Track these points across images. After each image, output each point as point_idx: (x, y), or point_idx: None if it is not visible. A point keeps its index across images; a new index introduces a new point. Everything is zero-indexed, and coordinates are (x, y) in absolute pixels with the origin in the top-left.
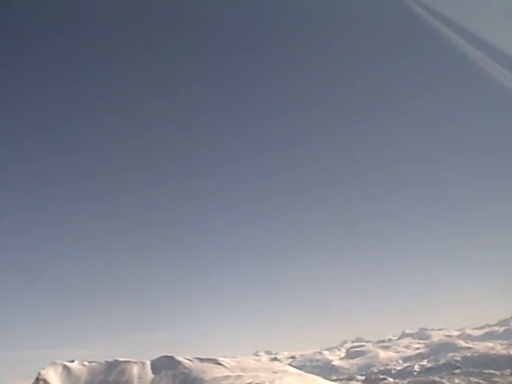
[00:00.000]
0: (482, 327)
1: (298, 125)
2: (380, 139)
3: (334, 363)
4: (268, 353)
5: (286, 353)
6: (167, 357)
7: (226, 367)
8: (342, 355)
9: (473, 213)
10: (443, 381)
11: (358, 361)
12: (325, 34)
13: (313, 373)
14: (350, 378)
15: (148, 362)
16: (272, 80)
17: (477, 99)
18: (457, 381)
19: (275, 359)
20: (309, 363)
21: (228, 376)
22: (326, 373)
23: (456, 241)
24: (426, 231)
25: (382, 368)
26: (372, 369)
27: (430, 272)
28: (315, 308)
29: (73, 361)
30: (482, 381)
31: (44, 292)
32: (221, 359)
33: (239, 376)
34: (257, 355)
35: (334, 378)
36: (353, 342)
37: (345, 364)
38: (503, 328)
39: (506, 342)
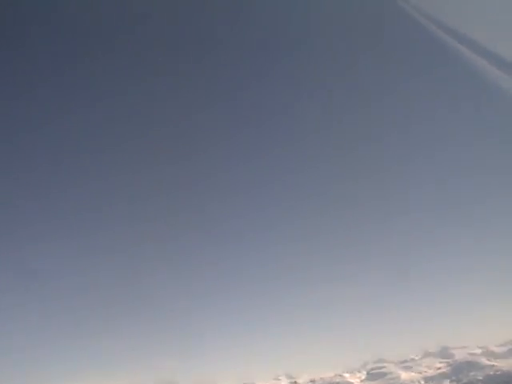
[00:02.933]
0: (506, 343)
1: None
2: (375, 138)
3: None
4: (288, 376)
5: (306, 376)
6: None
7: None
8: (363, 377)
9: (496, 227)
10: None
11: (379, 382)
12: (324, 35)
13: None
14: None
15: None
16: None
17: (476, 101)
18: None
19: (294, 383)
20: None
21: None
22: None
23: (477, 256)
24: (447, 248)
25: None
26: None
27: (451, 288)
28: (337, 329)
29: None
30: None
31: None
32: None
33: None
34: (277, 379)
35: None
36: (374, 362)
37: None
38: None
39: None
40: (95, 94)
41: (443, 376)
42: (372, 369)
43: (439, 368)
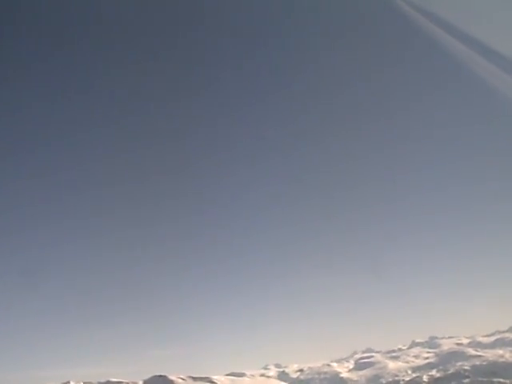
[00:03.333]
0: (493, 334)
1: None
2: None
3: (342, 375)
4: (278, 366)
5: (295, 365)
6: (160, 376)
7: None
8: (351, 367)
9: (483, 217)
10: None
11: (367, 372)
12: (324, 35)
13: None
14: None
15: (140, 382)
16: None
17: (472, 101)
18: None
19: (283, 372)
20: (317, 376)
21: None
22: None
23: (465, 246)
24: (434, 237)
25: (390, 379)
26: (381, 380)
27: (439, 279)
28: (326, 318)
29: (67, 382)
30: None
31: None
32: (214, 377)
33: None
34: (266, 368)
35: None
36: (363, 352)
37: (353, 376)
38: None
39: None
40: (94, 95)
41: (430, 366)
42: (360, 358)
43: (426, 358)
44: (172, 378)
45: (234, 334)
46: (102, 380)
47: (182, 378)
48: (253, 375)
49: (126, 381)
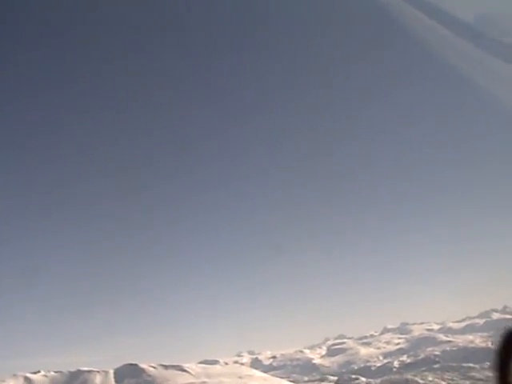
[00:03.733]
0: (463, 320)
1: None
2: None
3: (314, 361)
4: (251, 353)
5: (268, 352)
6: (131, 365)
7: (191, 373)
8: (323, 353)
9: (454, 205)
10: (416, 378)
11: (339, 358)
12: (316, 33)
13: (293, 372)
14: (323, 379)
15: (111, 371)
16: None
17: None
18: (430, 378)
19: (256, 359)
20: (289, 362)
21: (192, 383)
22: (306, 371)
23: (435, 232)
24: (405, 224)
25: (362, 365)
26: (352, 366)
27: (411, 265)
28: (299, 306)
29: (38, 371)
30: (456, 377)
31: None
32: (186, 365)
33: (203, 382)
34: (240, 355)
35: (306, 379)
36: (335, 338)
37: (325, 362)
38: (483, 320)
39: (486, 334)
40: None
41: (401, 351)
42: (332, 345)
43: (398, 344)
44: (143, 366)
45: (208, 321)
46: (72, 369)
47: (153, 367)
48: (226, 362)
49: (97, 369)
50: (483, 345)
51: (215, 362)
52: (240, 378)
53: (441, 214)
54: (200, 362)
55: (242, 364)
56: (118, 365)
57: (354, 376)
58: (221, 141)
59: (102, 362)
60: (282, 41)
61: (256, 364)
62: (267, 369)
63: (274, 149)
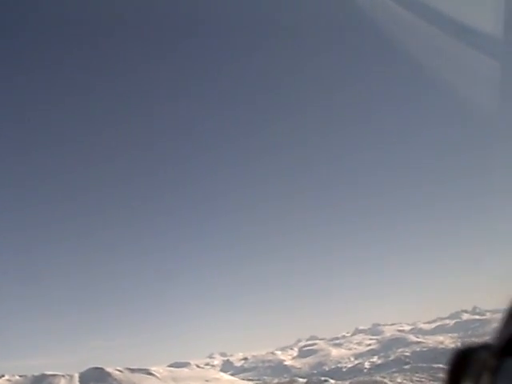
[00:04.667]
0: (434, 321)
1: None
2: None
3: (285, 363)
4: (223, 354)
5: (240, 354)
6: (96, 368)
7: (158, 377)
8: (295, 354)
9: (427, 201)
10: (385, 380)
11: (310, 360)
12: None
13: (265, 374)
14: (292, 381)
15: (76, 375)
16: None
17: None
18: (399, 380)
19: (228, 361)
20: (261, 364)
21: None
22: (277, 373)
23: (407, 234)
24: (376, 224)
25: (333, 366)
26: (323, 367)
27: (384, 266)
28: (272, 307)
29: (2, 376)
30: (424, 378)
31: None
32: (152, 369)
33: None
34: (211, 357)
35: (275, 381)
36: (307, 340)
37: (297, 363)
38: (454, 321)
39: (456, 334)
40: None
41: (372, 352)
42: (304, 346)
43: (369, 345)
44: (109, 370)
45: (180, 323)
46: (37, 373)
47: (119, 370)
48: (197, 365)
49: (62, 373)
50: (453, 345)
51: (186, 365)
52: (207, 381)
53: (412, 217)
54: (171, 365)
55: (213, 366)
56: (88, 367)
57: (323, 378)
58: (219, 140)
59: (66, 366)
60: (279, 43)
61: (227, 366)
62: (238, 371)
63: (270, 150)
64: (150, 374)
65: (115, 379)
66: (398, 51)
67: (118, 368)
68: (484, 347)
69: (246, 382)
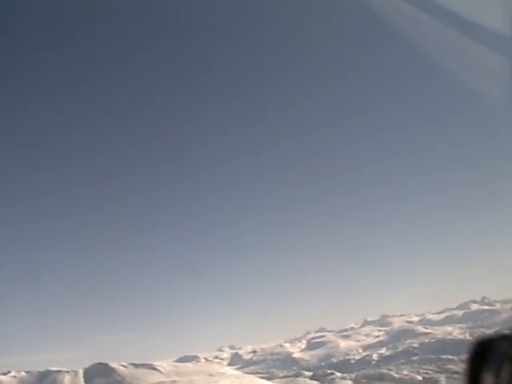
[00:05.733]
0: (443, 311)
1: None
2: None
3: (294, 355)
4: (232, 347)
5: (249, 347)
6: (100, 364)
7: (162, 372)
8: (303, 346)
9: (431, 190)
10: (392, 373)
11: (319, 352)
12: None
13: (273, 366)
14: (298, 375)
15: (81, 371)
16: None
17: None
18: (405, 372)
19: (236, 354)
20: (269, 357)
21: (162, 382)
22: (286, 366)
23: (415, 225)
24: (385, 216)
25: (341, 358)
26: (332, 359)
27: (392, 257)
28: (282, 299)
29: (8, 372)
30: (431, 370)
31: None
32: (156, 364)
33: (174, 381)
34: (220, 350)
35: (281, 374)
36: (316, 332)
37: (305, 356)
38: (463, 311)
39: (465, 325)
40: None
41: (380, 344)
42: (312, 338)
43: (377, 336)
44: (113, 365)
45: (189, 316)
46: (42, 369)
47: (123, 366)
48: (206, 358)
49: (66, 369)
50: (461, 336)
51: (195, 358)
52: (211, 375)
53: (421, 207)
54: (180, 358)
55: (222, 359)
56: (93, 362)
57: (329, 371)
58: (216, 140)
59: (73, 360)
60: (276, 42)
61: (236, 359)
62: (247, 364)
63: (265, 142)
64: (154, 368)
65: (119, 374)
66: (407, 47)
67: (123, 363)
68: (504, 337)
69: (251, 375)
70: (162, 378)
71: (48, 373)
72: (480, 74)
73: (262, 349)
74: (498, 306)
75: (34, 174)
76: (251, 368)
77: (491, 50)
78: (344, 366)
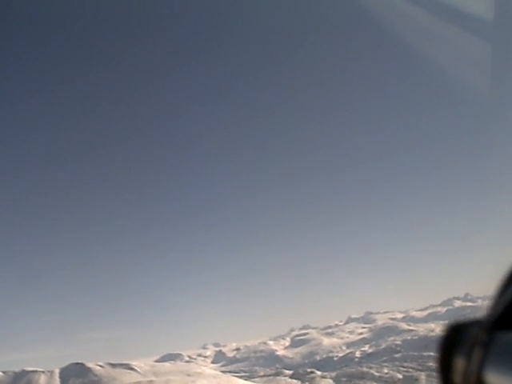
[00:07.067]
0: (426, 308)
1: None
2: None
3: (277, 353)
4: (216, 345)
5: (233, 344)
6: (77, 364)
7: (139, 372)
8: (287, 344)
9: (413, 188)
10: (372, 371)
11: (302, 349)
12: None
13: (257, 364)
14: (278, 373)
15: (57, 371)
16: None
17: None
18: (385, 370)
19: (220, 352)
20: (253, 354)
21: (139, 382)
22: (269, 363)
23: (396, 221)
24: (366, 212)
25: (324, 356)
26: (315, 357)
27: (377, 254)
28: (267, 296)
29: None
30: (412, 368)
31: None
32: (133, 364)
33: (151, 381)
34: (205, 348)
35: (262, 373)
36: (300, 329)
37: (289, 353)
38: (446, 308)
39: (447, 322)
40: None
41: (364, 341)
42: (296, 335)
43: (361, 333)
44: (90, 365)
45: (174, 314)
46: (17, 369)
47: (100, 365)
48: (189, 356)
49: (42, 369)
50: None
51: (178, 356)
52: (188, 375)
53: (404, 205)
54: (163, 356)
55: (206, 357)
56: (69, 362)
57: (309, 370)
58: (215, 139)
59: (53, 359)
60: (275, 41)
61: (219, 357)
62: (230, 361)
63: (263, 145)
64: (131, 368)
65: (96, 375)
66: (388, 35)
67: (99, 363)
68: (475, 322)
69: (229, 375)
70: (139, 378)
71: (23, 373)
72: (463, 60)
73: (246, 346)
74: (480, 302)
75: (33, 173)
76: (234, 366)
77: (473, 35)
78: (327, 363)
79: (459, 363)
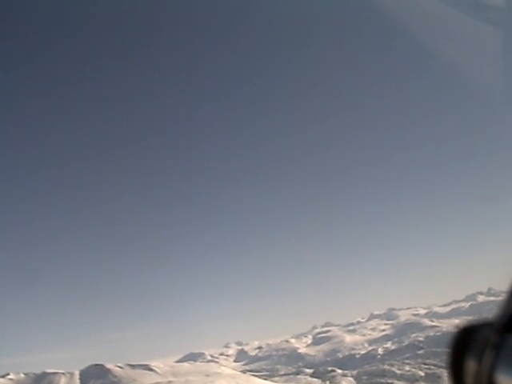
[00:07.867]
0: (449, 304)
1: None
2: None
3: (299, 351)
4: (239, 343)
5: (256, 343)
6: (96, 365)
7: (158, 373)
8: (309, 342)
9: (435, 184)
10: (393, 369)
11: (324, 347)
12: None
13: (279, 362)
14: (298, 372)
15: (77, 372)
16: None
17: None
18: (407, 368)
19: (242, 350)
20: (275, 352)
21: (158, 382)
22: (291, 361)
23: (420, 217)
24: (390, 209)
25: (346, 353)
26: (337, 354)
27: (398, 250)
28: (289, 294)
29: (7, 374)
30: (434, 365)
31: None
32: (153, 364)
33: (170, 382)
34: (227, 346)
35: (282, 372)
36: (322, 326)
37: (311, 351)
38: (469, 303)
39: (471, 317)
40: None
41: (386, 338)
42: (318, 333)
43: (383, 330)
44: (109, 366)
45: (198, 313)
46: (38, 371)
47: (119, 367)
48: (212, 355)
49: (62, 371)
50: None
51: (201, 355)
52: (207, 376)
53: (426, 201)
54: (186, 355)
55: (228, 356)
56: (90, 364)
57: (330, 368)
58: (214, 138)
59: (74, 360)
60: (280, 41)
61: (241, 355)
62: (252, 360)
63: (264, 146)
64: (151, 369)
65: (115, 376)
66: (398, 28)
67: (119, 364)
68: (487, 324)
69: (247, 374)
70: (158, 379)
71: (44, 375)
72: (474, 47)
73: (268, 344)
74: (504, 296)
75: (33, 175)
76: (256, 364)
77: (485, 23)
78: (349, 361)
79: (470, 365)
